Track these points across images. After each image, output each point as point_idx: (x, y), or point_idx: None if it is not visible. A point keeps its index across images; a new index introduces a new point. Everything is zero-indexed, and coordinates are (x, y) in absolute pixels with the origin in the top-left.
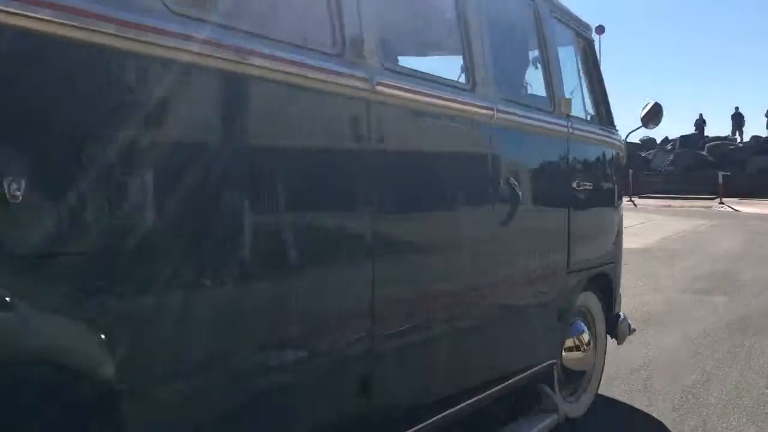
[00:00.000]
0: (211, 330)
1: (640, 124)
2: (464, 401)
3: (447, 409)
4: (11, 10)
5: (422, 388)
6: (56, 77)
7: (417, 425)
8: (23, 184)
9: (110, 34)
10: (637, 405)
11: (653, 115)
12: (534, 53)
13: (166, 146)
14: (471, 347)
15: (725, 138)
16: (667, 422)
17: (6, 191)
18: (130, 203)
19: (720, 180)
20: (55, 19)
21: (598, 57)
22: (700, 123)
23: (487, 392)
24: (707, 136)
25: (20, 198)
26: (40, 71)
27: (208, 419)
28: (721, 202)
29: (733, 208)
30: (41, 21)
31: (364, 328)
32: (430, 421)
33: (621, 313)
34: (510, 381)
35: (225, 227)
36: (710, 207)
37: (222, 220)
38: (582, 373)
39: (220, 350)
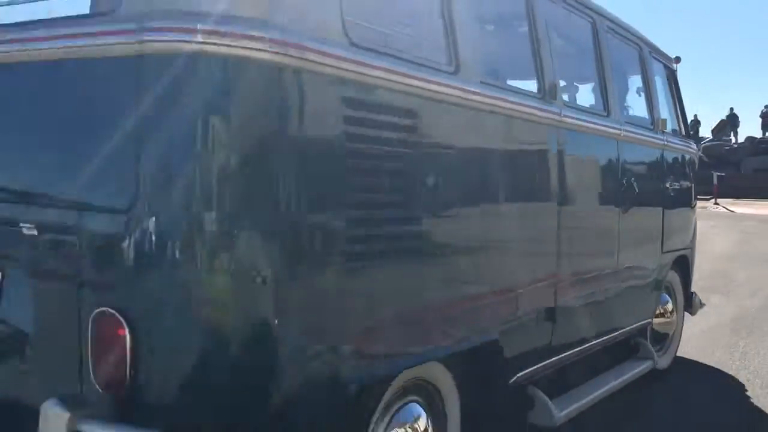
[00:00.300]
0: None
1: (712, 136)
2: (600, 338)
3: (591, 342)
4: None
5: (581, 324)
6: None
7: (579, 347)
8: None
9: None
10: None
11: (721, 128)
12: (638, 83)
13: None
14: (606, 301)
15: (720, 139)
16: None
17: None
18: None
19: (715, 181)
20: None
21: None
22: (695, 124)
23: (612, 335)
24: (702, 137)
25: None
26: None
27: None
28: (716, 203)
29: (728, 209)
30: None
31: (551, 270)
32: (584, 346)
33: (693, 291)
34: (625, 329)
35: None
36: (705, 207)
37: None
38: (666, 335)
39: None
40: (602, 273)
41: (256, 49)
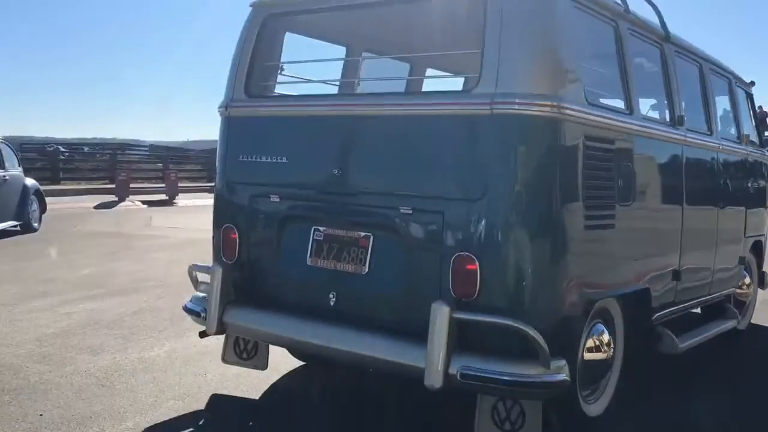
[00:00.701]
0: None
1: None
2: (703, 297)
3: (698, 299)
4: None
5: (693, 285)
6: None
7: (691, 302)
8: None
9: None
10: None
11: None
12: (727, 106)
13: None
14: (709, 271)
15: None
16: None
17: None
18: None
19: None
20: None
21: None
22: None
23: (711, 296)
24: None
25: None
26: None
27: None
28: None
29: None
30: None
31: (677, 246)
32: (694, 302)
33: (764, 270)
34: (718, 293)
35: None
36: None
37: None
38: (743, 303)
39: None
40: (707, 250)
41: (546, 111)
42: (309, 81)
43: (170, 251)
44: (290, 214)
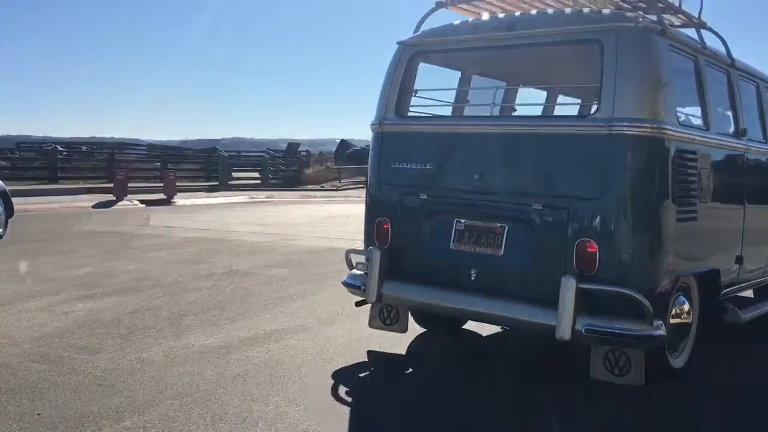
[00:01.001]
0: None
1: None
2: (760, 278)
3: (755, 280)
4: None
5: (752, 268)
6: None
7: (750, 282)
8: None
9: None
10: None
11: None
12: None
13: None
14: (763, 256)
15: None
16: None
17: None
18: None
19: None
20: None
21: None
22: None
23: (765, 278)
24: None
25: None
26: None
27: None
28: None
29: None
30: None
31: (739, 237)
32: (752, 282)
33: None
34: None
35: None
36: None
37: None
38: None
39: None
40: (763, 239)
41: (648, 132)
42: (458, 104)
43: (168, 251)
44: (436, 209)
